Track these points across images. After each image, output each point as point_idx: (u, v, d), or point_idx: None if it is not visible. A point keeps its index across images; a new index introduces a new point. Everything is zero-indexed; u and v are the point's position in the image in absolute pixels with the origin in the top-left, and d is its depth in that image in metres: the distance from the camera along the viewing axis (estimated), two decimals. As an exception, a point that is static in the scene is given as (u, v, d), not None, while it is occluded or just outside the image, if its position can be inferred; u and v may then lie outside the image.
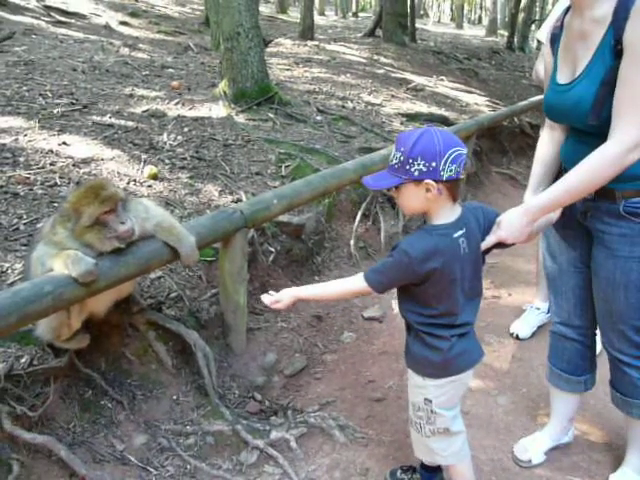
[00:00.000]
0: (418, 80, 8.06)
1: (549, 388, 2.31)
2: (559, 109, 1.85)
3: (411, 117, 5.93)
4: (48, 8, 9.63)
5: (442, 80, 8.63)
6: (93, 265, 1.79)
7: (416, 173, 1.56)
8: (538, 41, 3.97)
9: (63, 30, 8.70)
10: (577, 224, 1.95)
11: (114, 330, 2.35)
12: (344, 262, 3.73)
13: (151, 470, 2.11)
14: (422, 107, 6.51)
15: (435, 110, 6.42)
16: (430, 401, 1.81)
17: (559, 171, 1.98)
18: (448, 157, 1.54)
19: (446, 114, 6.27)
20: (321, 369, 2.88)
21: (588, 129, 1.75)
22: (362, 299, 3.53)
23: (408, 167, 1.56)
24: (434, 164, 1.54)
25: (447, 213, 1.66)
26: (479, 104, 7.38)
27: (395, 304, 3.54)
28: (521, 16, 15.29)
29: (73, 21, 9.61)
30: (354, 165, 3.24)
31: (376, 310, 3.41)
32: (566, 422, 2.30)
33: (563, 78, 1.83)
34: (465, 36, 18.43)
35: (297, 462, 2.26)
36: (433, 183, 1.56)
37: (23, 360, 2.06)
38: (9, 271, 2.48)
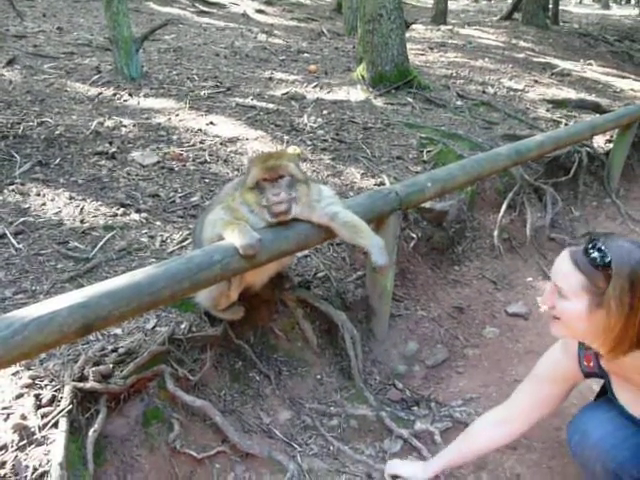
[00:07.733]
0: (563, 65, 7.46)
1: None
2: None
3: (558, 104, 5.48)
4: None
5: (590, 64, 7.92)
6: (257, 240, 1.79)
7: None
8: None
9: (206, 19, 9.17)
10: None
11: (264, 305, 2.38)
12: (486, 253, 3.53)
13: (295, 446, 2.12)
14: (570, 93, 6.00)
15: (585, 96, 5.88)
16: None
17: None
18: None
19: (598, 100, 5.73)
20: (463, 363, 2.73)
21: None
22: (504, 293, 3.32)
23: None
24: None
25: None
26: (635, 90, 6.66)
27: (540, 300, 3.29)
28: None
29: (214, 11, 10.11)
30: (508, 150, 3.03)
31: (520, 306, 3.18)
32: None
33: None
34: (614, 17, 16.81)
35: (441, 457, 2.16)
36: None
37: (183, 326, 2.15)
38: (168, 240, 2.61)
